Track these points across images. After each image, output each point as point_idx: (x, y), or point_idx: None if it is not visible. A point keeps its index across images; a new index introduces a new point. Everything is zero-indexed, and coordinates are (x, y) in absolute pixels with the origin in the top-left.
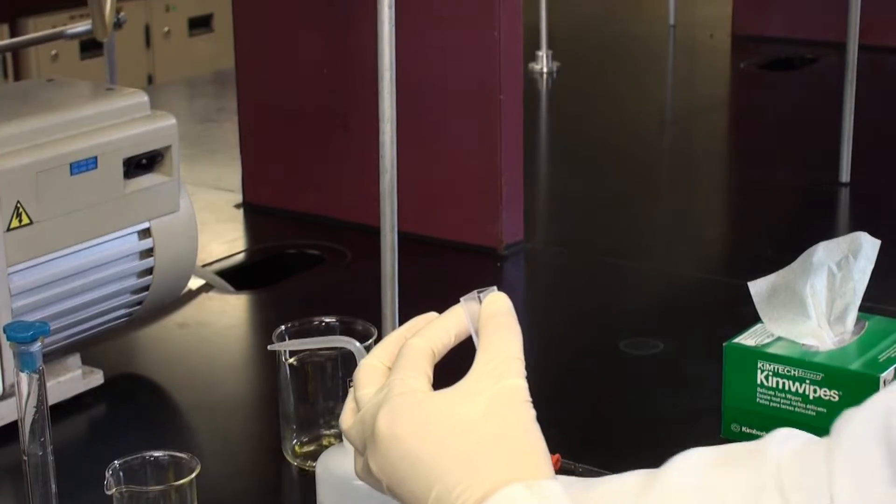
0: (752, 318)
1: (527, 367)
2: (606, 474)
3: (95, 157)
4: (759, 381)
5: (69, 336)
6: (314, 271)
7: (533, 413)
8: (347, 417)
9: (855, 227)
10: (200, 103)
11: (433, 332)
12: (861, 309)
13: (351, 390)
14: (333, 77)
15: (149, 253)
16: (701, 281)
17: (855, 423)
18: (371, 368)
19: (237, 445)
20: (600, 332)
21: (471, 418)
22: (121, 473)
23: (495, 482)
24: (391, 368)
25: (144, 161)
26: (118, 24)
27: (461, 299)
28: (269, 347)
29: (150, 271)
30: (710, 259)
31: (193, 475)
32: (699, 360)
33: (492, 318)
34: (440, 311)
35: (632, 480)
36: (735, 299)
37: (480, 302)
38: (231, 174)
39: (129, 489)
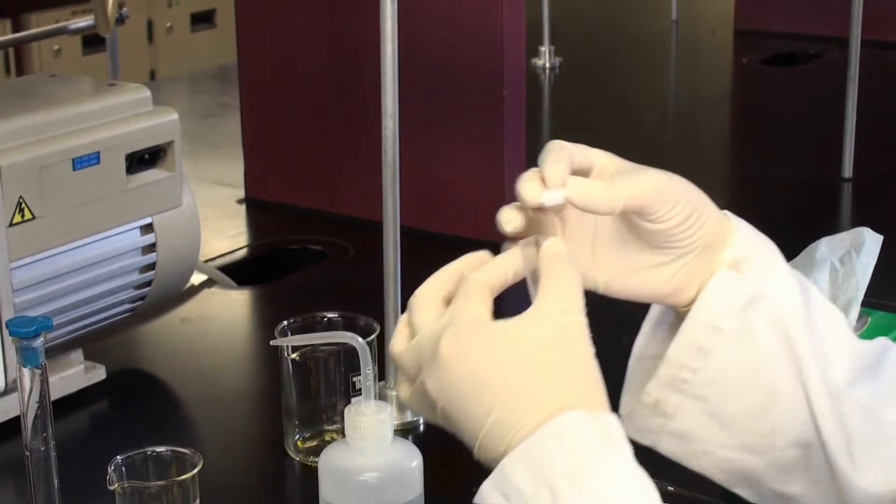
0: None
1: None
2: None
3: (98, 153)
4: None
5: (72, 331)
6: (316, 266)
7: (592, 349)
8: (399, 342)
9: (857, 222)
10: (203, 98)
11: (493, 267)
12: (863, 304)
13: (402, 316)
14: (336, 72)
15: (151, 248)
16: None
17: None
18: (427, 297)
19: (239, 441)
20: (602, 326)
21: (534, 347)
22: (123, 469)
23: (555, 409)
24: (447, 300)
25: (147, 156)
26: (120, 20)
27: (519, 243)
28: (271, 343)
29: (152, 266)
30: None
31: (196, 470)
32: None
33: (554, 258)
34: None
35: None
36: None
37: (538, 247)
38: (233, 169)
39: (131, 484)
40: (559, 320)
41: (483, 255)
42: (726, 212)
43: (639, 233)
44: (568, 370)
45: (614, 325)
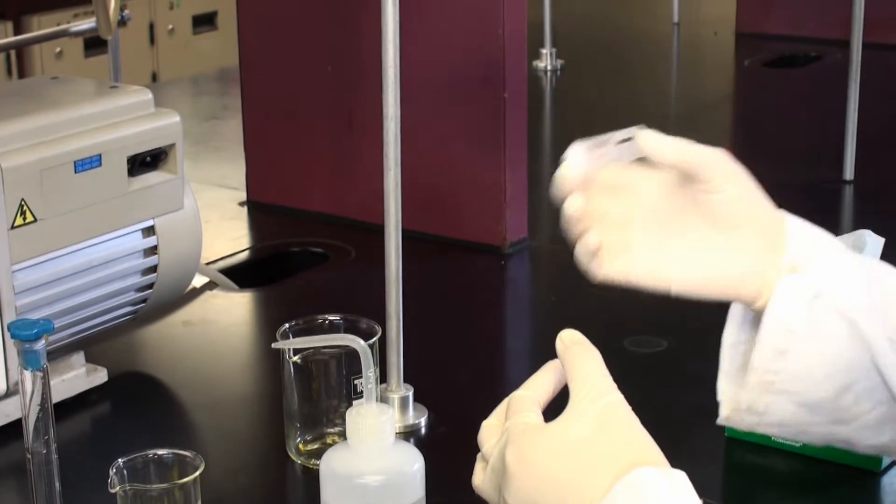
0: None
1: (534, 367)
2: None
3: (100, 155)
4: None
5: (73, 334)
6: (318, 269)
7: (637, 419)
8: (479, 474)
9: (859, 224)
10: (205, 101)
11: (533, 383)
12: None
13: (479, 455)
14: (338, 74)
15: (153, 251)
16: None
17: None
18: (488, 427)
19: (241, 443)
20: (605, 329)
21: (584, 433)
22: (125, 471)
23: (623, 472)
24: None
25: (149, 159)
26: (122, 22)
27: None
28: (273, 345)
29: (154, 269)
30: None
31: (197, 473)
32: (703, 359)
33: (569, 350)
34: (444, 310)
35: None
36: None
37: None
38: (235, 172)
39: (132, 487)
40: (597, 404)
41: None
42: (782, 211)
43: (700, 209)
44: (623, 442)
45: (615, 326)
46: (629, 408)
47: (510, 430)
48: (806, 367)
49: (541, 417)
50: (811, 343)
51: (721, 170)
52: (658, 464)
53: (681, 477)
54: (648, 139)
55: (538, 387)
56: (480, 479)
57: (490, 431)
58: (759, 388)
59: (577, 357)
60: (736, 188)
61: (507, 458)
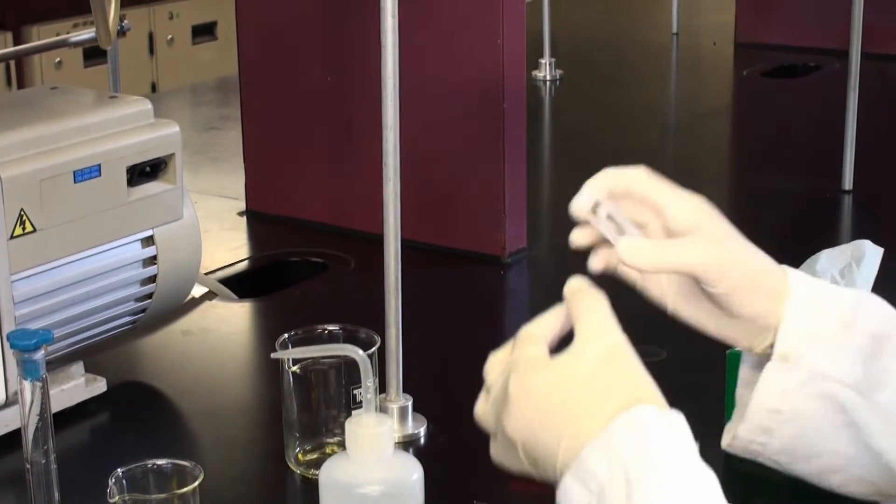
0: None
1: None
2: None
3: (99, 165)
4: None
5: (72, 344)
6: (317, 279)
7: (639, 361)
8: (481, 404)
9: (858, 234)
10: (204, 111)
11: (542, 320)
12: None
13: (484, 387)
14: (337, 85)
15: (152, 261)
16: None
17: None
18: (495, 360)
19: (240, 453)
20: None
21: (587, 369)
22: (124, 481)
23: (623, 409)
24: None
25: (148, 169)
26: (122, 32)
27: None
28: (272, 355)
29: (153, 279)
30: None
31: (196, 483)
32: (703, 368)
33: (575, 295)
34: (443, 320)
35: None
36: None
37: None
38: (234, 182)
39: (132, 497)
40: (601, 343)
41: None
42: (787, 272)
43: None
44: (624, 380)
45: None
46: (632, 350)
47: (515, 361)
48: (792, 445)
49: (546, 352)
50: (797, 425)
51: (711, 272)
52: (658, 404)
53: (678, 417)
54: (627, 252)
55: (546, 324)
56: (482, 409)
57: (496, 364)
58: (746, 451)
59: (584, 300)
60: (728, 284)
61: (510, 387)
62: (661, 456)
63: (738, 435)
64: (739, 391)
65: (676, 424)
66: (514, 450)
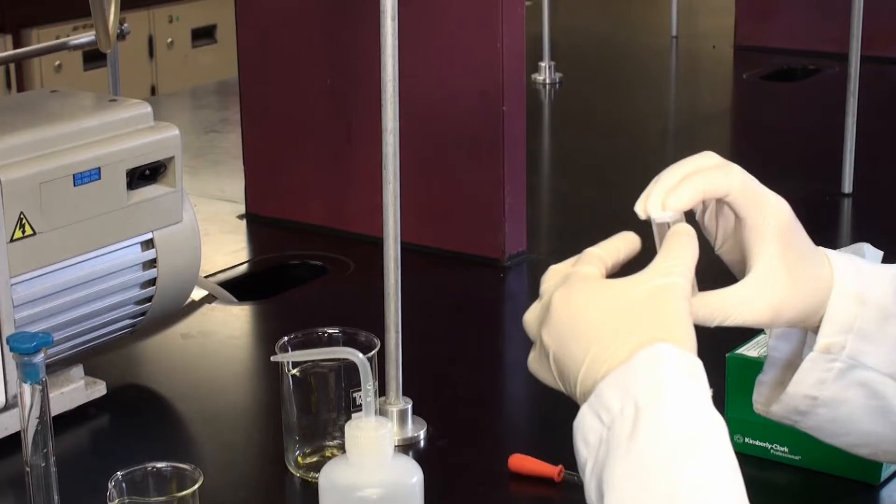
0: (755, 329)
1: (533, 380)
2: None
3: (99, 168)
4: None
5: (72, 347)
6: (317, 282)
7: (688, 307)
8: (532, 311)
9: (857, 237)
10: (204, 114)
11: (607, 245)
12: None
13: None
14: (337, 88)
15: (152, 264)
16: (704, 291)
17: None
18: (554, 270)
19: (240, 456)
20: None
21: (631, 297)
22: (123, 485)
23: (647, 344)
24: None
25: (148, 172)
26: (121, 36)
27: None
28: (272, 358)
29: (153, 282)
30: (712, 270)
31: (196, 486)
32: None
33: (677, 234)
34: (443, 323)
35: None
36: None
37: (669, 226)
38: (234, 185)
39: (131, 500)
40: (660, 280)
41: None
42: (830, 259)
43: None
44: (662, 317)
45: None
46: (688, 298)
47: (571, 275)
48: (824, 425)
49: (602, 273)
50: (831, 409)
51: (765, 320)
52: (684, 347)
53: (697, 363)
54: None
55: (611, 249)
56: (531, 316)
57: (553, 274)
58: (782, 421)
59: (682, 239)
60: (783, 321)
61: (555, 296)
62: (672, 391)
63: (772, 412)
64: (772, 343)
65: (694, 368)
66: (546, 358)
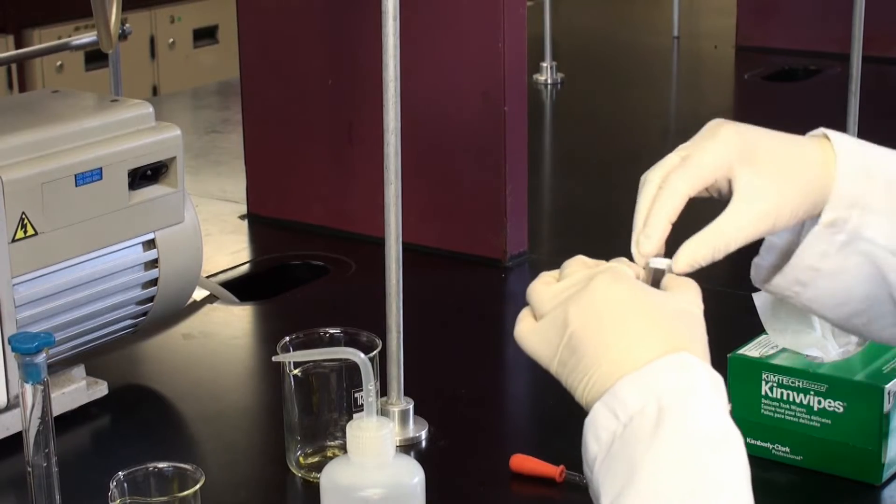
0: (757, 330)
1: (534, 380)
2: None
3: (100, 169)
4: (763, 393)
5: (74, 347)
6: (318, 282)
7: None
8: (541, 283)
9: None
10: (205, 114)
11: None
12: None
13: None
14: (338, 88)
15: (153, 264)
16: (705, 292)
17: None
18: (582, 261)
19: (241, 456)
20: None
21: (668, 310)
22: (125, 485)
23: (672, 353)
24: None
25: (149, 172)
26: (123, 36)
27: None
28: (273, 359)
29: (154, 282)
30: (714, 270)
31: (198, 486)
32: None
33: (679, 280)
34: (444, 323)
35: None
36: (739, 311)
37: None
38: (236, 185)
39: (133, 500)
40: (686, 306)
41: None
42: (831, 139)
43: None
44: (691, 335)
45: None
46: (704, 325)
47: (612, 268)
48: (823, 296)
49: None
50: (832, 279)
51: (763, 229)
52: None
53: (721, 381)
54: (687, 263)
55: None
56: (540, 286)
57: (581, 264)
58: (779, 297)
59: (685, 282)
60: (782, 224)
61: (596, 279)
62: (700, 396)
63: (774, 283)
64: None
65: (718, 383)
66: (560, 331)
